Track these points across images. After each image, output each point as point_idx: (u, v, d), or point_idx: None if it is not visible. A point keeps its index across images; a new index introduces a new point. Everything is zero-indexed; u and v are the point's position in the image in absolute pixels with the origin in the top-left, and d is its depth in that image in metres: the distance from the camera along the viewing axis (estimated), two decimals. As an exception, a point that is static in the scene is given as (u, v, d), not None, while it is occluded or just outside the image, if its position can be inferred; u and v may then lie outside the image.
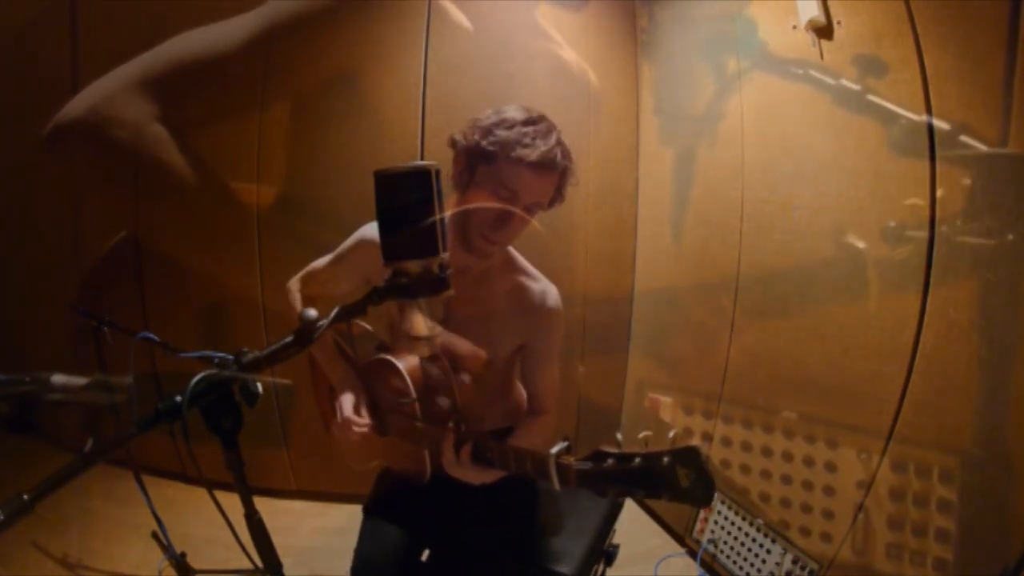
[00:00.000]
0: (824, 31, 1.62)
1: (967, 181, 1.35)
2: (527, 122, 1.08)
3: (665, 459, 0.80)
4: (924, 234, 1.41)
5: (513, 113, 1.09)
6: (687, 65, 2.20)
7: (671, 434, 0.84)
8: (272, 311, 2.38)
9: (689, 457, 0.79)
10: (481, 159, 1.09)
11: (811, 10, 1.61)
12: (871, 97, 1.52)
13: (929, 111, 1.39)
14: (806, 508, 1.74)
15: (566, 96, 2.37)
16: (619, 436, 0.88)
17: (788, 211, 1.77)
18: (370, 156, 2.28)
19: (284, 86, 2.34)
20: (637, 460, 0.82)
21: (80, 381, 0.79)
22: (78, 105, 2.34)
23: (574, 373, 2.47)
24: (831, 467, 1.67)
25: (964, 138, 1.35)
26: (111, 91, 2.33)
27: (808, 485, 1.74)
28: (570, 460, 0.90)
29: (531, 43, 2.34)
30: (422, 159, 2.29)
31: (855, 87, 1.56)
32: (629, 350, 2.53)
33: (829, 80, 1.62)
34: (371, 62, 2.31)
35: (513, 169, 1.06)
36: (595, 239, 2.44)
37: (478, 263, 1.18)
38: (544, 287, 1.25)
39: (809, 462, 1.73)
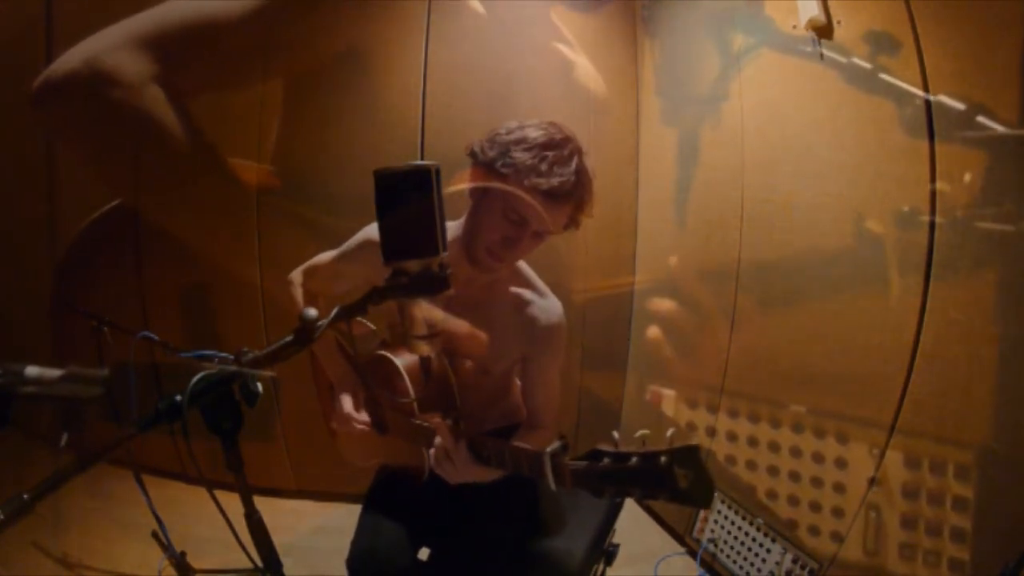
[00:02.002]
0: (824, 30, 1.62)
1: (967, 179, 1.34)
2: (547, 145, 1.04)
3: (663, 459, 0.76)
4: (925, 231, 1.41)
5: (534, 132, 1.05)
6: (689, 42, 2.17)
7: (669, 433, 0.80)
8: (271, 305, 2.35)
9: (688, 457, 0.75)
10: (495, 179, 1.06)
11: (811, 9, 1.61)
12: (873, 91, 1.52)
13: (928, 110, 1.39)
14: (815, 506, 1.72)
15: (566, 94, 2.37)
16: (616, 435, 0.85)
17: (788, 210, 1.77)
18: (371, 148, 2.26)
19: (285, 66, 2.26)
20: (634, 460, 0.79)
21: (55, 373, 0.77)
22: (73, 58, 2.14)
23: (574, 370, 2.47)
24: (841, 463, 1.64)
25: (964, 136, 1.35)
26: (109, 46, 2.12)
27: (817, 482, 1.71)
28: (566, 460, 0.88)
29: (531, 38, 2.33)
30: (422, 157, 2.29)
31: (858, 83, 1.56)
32: (629, 349, 2.53)
33: (839, 59, 1.61)
34: (373, 49, 2.29)
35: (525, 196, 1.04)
36: (595, 238, 2.44)
37: (482, 277, 1.17)
38: (548, 303, 1.23)
39: (819, 458, 1.70)
